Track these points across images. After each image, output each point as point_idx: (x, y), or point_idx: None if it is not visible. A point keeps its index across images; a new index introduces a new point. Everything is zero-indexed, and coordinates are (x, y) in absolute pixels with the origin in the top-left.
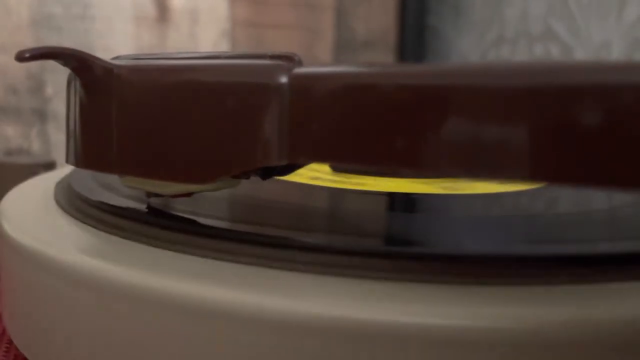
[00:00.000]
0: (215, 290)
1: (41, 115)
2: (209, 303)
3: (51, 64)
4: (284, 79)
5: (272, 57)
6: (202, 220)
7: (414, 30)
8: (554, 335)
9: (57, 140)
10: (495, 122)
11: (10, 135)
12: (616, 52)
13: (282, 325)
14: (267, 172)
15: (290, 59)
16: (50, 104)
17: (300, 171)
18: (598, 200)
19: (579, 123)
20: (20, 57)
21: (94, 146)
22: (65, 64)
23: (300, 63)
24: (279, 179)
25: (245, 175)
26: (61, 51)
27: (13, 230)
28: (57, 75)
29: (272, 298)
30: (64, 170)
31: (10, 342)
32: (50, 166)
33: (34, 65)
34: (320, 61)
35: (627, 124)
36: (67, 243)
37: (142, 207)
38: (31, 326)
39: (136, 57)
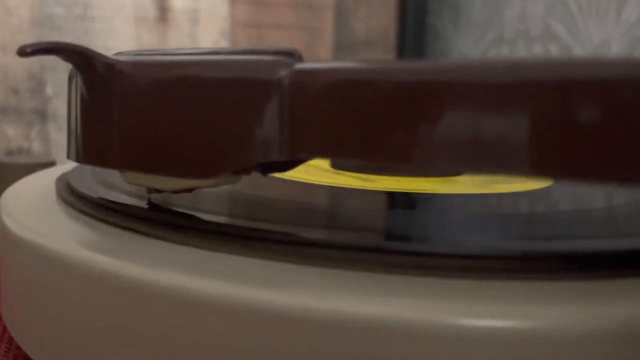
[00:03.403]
0: (214, 285)
1: (41, 115)
2: (208, 297)
3: (52, 63)
4: (285, 75)
5: (273, 53)
6: (202, 216)
7: (414, 30)
8: (562, 332)
9: (58, 140)
10: (496, 117)
11: (10, 136)
12: (615, 52)
13: (282, 319)
14: (268, 168)
15: (291, 55)
16: (50, 104)
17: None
18: (598, 200)
19: (580, 118)
20: (22, 52)
21: (95, 142)
22: (66, 60)
23: (300, 59)
24: (281, 177)
25: (246, 171)
26: (63, 46)
27: (13, 225)
28: (57, 75)
29: (271, 292)
30: (64, 166)
31: (10, 341)
32: (50, 166)
33: (35, 65)
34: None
35: (629, 119)
36: (68, 238)
37: (143, 203)
38: (31, 321)
39: (138, 53)
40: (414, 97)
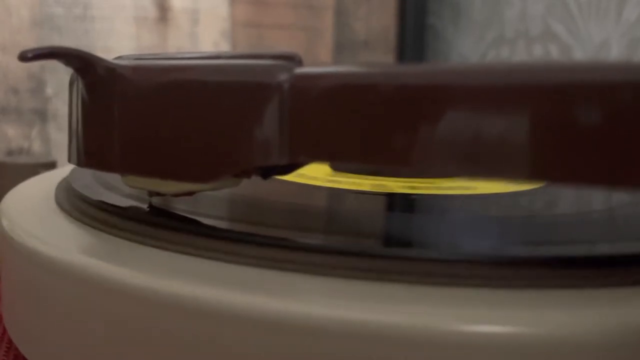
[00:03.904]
0: (214, 291)
1: (42, 116)
2: (207, 303)
3: (51, 64)
4: (284, 79)
5: (273, 56)
6: (203, 220)
7: (414, 30)
8: (558, 340)
9: (58, 140)
10: (495, 121)
11: (10, 136)
12: (615, 52)
13: (280, 326)
14: (268, 172)
15: (290, 59)
16: (50, 104)
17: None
18: (598, 201)
19: (578, 122)
20: (23, 57)
21: (96, 145)
22: (67, 64)
23: (300, 63)
24: (281, 179)
25: (246, 174)
26: (64, 51)
27: (13, 230)
28: (57, 75)
29: (270, 299)
30: (65, 169)
31: (10, 342)
32: (50, 166)
33: (35, 65)
34: (321, 61)
35: (627, 123)
36: (68, 243)
37: (144, 206)
38: (31, 326)
39: (138, 57)
40: (413, 100)
